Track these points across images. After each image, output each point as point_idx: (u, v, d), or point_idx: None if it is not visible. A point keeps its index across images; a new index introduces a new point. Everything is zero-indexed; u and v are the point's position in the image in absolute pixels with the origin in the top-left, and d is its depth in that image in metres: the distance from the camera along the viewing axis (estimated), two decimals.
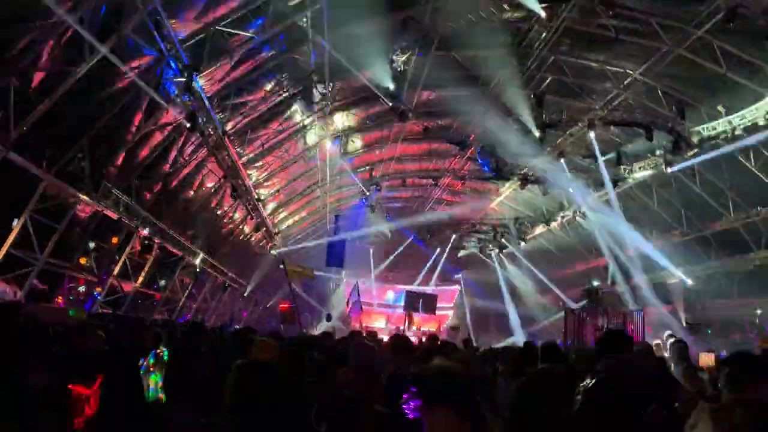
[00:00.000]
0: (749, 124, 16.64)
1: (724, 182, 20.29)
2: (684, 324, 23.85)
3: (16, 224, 12.93)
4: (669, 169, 19.95)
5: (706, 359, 13.11)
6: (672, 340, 7.98)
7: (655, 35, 16.41)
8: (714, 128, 17.63)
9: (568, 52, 18.64)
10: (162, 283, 22.95)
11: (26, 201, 13.01)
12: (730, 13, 13.57)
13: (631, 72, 18.46)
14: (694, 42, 15.99)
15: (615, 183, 21.73)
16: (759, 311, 21.13)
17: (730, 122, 17.11)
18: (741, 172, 19.02)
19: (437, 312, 37.04)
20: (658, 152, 20.01)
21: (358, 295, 34.73)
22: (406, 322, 33.45)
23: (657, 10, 15.70)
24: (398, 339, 6.45)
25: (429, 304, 35.65)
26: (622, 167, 21.20)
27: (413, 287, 37.12)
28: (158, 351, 7.25)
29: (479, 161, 23.02)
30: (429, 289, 38.09)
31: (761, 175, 18.56)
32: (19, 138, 11.61)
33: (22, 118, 11.58)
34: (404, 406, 2.90)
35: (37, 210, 13.29)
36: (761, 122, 16.24)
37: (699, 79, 17.68)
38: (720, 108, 17.67)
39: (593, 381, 2.88)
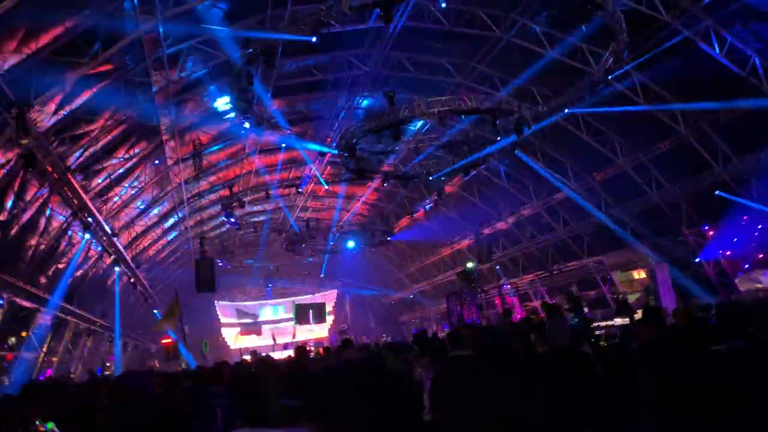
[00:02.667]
0: None
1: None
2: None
3: None
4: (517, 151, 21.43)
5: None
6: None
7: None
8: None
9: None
10: (12, 340, 20.70)
11: None
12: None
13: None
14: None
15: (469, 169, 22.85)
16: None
17: None
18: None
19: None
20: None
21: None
22: (294, 336, 33.06)
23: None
24: None
25: (319, 313, 35.31)
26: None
27: (300, 298, 36.63)
28: None
29: (340, 163, 23.18)
30: (317, 297, 37.61)
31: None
32: None
33: None
34: None
35: None
36: None
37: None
38: None
39: None
